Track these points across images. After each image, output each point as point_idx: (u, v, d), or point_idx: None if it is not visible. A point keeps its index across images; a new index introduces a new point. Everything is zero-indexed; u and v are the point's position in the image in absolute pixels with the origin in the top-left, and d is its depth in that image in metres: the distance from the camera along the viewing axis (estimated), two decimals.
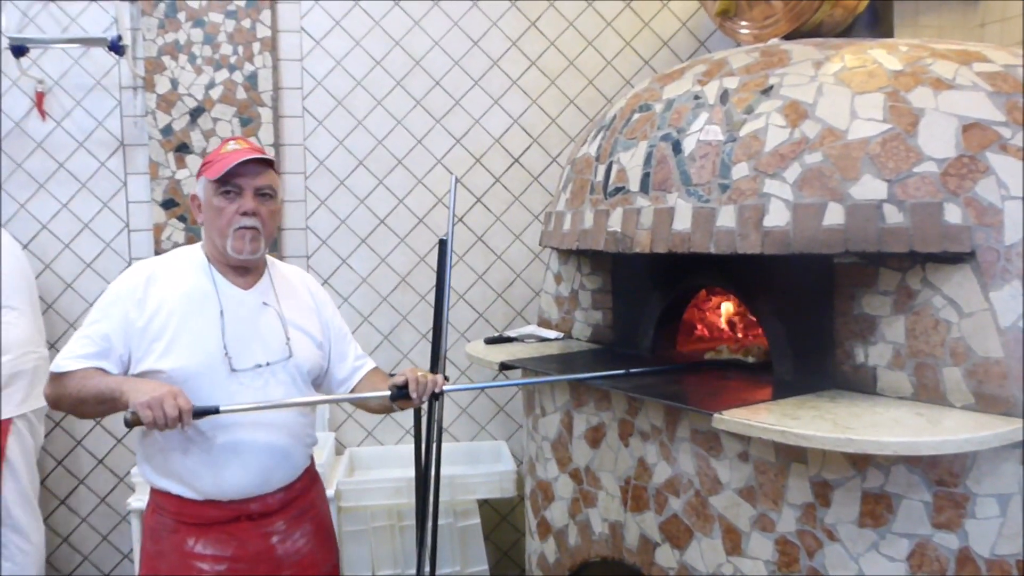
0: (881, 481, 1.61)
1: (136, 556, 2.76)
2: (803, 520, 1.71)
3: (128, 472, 3.02)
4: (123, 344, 1.71)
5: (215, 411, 1.63)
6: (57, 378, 1.71)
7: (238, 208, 1.74)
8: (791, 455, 1.71)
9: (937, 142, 1.68)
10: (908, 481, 1.59)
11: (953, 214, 1.64)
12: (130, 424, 1.59)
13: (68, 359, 1.70)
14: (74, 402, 1.69)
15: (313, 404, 1.95)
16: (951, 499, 1.57)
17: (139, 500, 2.66)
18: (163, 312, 1.72)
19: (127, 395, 1.59)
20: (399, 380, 1.80)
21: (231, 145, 1.78)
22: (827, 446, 1.51)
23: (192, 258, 1.82)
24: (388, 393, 1.80)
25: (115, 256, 3.03)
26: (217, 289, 1.78)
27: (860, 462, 1.62)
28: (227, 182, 1.73)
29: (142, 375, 1.70)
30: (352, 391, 1.96)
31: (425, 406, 1.88)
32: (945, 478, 1.57)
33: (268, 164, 1.78)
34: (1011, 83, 1.75)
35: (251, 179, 1.74)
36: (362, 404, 2.04)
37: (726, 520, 1.85)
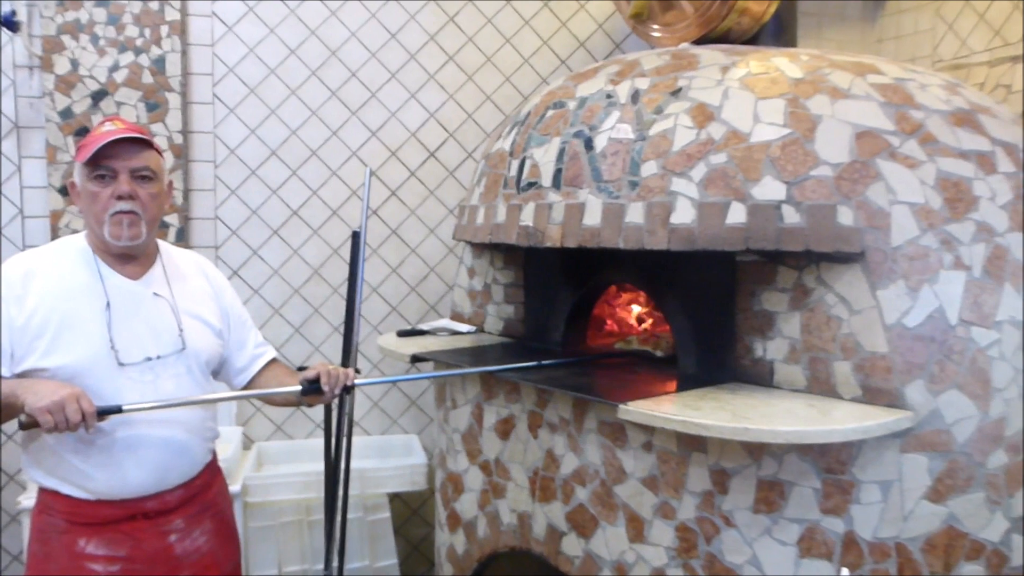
0: (775, 469, 1.68)
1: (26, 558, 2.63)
2: (702, 507, 1.77)
3: (19, 470, 2.87)
4: (8, 343, 1.61)
5: (118, 410, 1.55)
6: None
7: (113, 192, 1.65)
8: (692, 445, 1.77)
9: (832, 147, 1.77)
10: (799, 469, 1.67)
11: (845, 216, 1.72)
12: (25, 427, 1.51)
13: None
14: None
15: (219, 401, 1.89)
16: (838, 485, 1.66)
17: (30, 499, 2.52)
18: (44, 308, 1.63)
19: (23, 398, 1.49)
20: (310, 374, 1.76)
21: (106, 126, 1.67)
22: (725, 435, 1.57)
23: (75, 248, 1.73)
24: (299, 388, 1.77)
25: (7, 244, 2.87)
26: (103, 280, 1.69)
27: (756, 451, 1.69)
28: (99, 165, 1.64)
29: (24, 374, 1.61)
30: (251, 381, 1.91)
31: (336, 400, 1.86)
32: (833, 466, 1.66)
33: (146, 144, 1.69)
34: (901, 95, 1.85)
35: (125, 160, 1.65)
36: (267, 399, 1.99)
37: (630, 508, 1.91)
